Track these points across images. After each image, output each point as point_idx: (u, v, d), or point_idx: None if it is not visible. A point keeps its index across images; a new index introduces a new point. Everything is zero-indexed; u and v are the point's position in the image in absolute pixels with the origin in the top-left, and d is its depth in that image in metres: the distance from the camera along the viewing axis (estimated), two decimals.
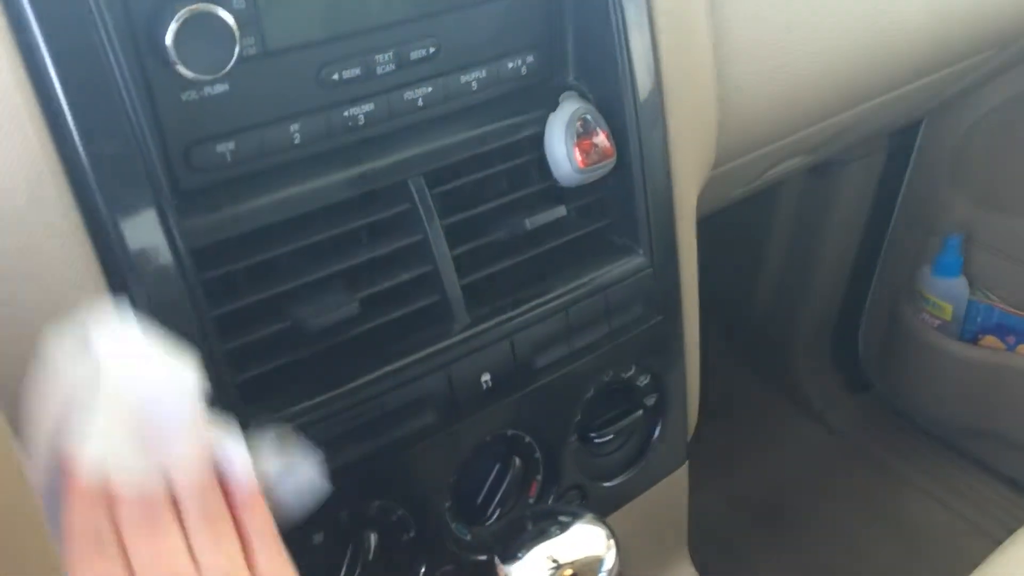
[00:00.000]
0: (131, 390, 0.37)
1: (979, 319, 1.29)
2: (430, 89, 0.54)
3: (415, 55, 0.53)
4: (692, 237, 0.66)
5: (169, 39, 0.43)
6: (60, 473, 0.37)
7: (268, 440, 0.42)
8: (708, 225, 0.89)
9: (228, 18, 0.44)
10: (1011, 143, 1.22)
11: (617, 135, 0.59)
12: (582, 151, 0.58)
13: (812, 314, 1.41)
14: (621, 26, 0.57)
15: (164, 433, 0.37)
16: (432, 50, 0.53)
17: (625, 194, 0.61)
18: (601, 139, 0.58)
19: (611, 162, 0.59)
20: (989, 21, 0.89)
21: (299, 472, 0.43)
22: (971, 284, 1.29)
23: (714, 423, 1.02)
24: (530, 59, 0.58)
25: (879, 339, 1.42)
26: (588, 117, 0.58)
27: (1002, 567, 0.73)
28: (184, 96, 0.46)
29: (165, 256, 0.45)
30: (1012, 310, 1.26)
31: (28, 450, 0.37)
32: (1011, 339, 1.27)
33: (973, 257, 1.28)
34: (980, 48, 0.92)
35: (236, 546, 0.39)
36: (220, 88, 0.47)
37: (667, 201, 0.63)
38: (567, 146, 0.57)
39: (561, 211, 0.58)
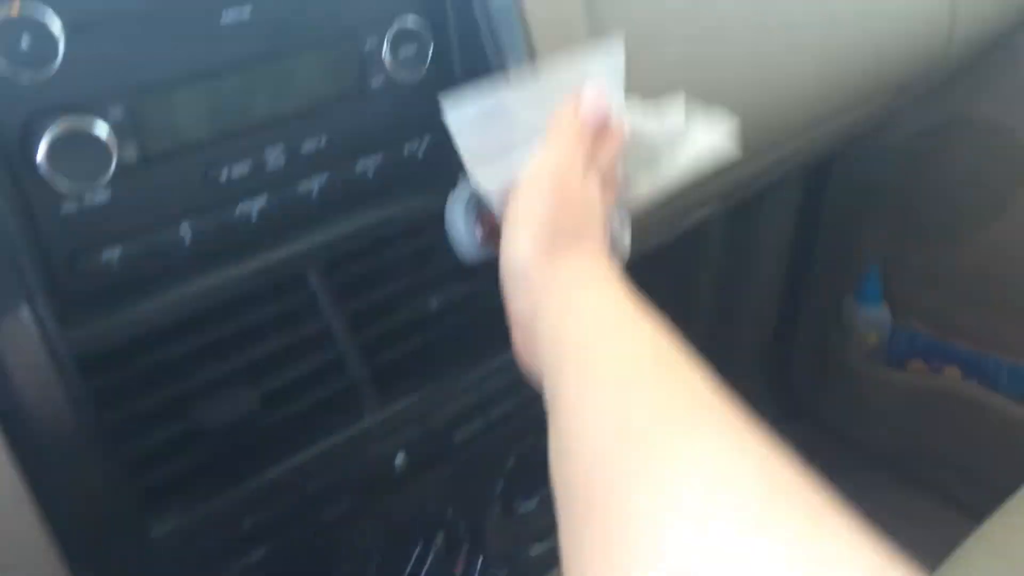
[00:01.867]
0: None
1: (903, 345, 1.32)
2: (325, 179, 0.54)
3: (306, 148, 0.53)
4: None
5: (41, 157, 0.42)
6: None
7: None
8: (634, 271, 0.90)
9: (103, 132, 0.44)
10: (922, 174, 1.26)
11: None
12: (484, 227, 0.58)
13: (745, 348, 1.43)
14: None
15: None
16: (324, 141, 0.53)
17: None
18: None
19: None
20: (883, 69, 0.93)
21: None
22: (894, 310, 1.32)
23: None
24: (428, 140, 0.58)
25: (812, 367, 1.45)
26: None
27: None
28: (63, 209, 0.45)
29: (45, 367, 0.44)
30: (934, 335, 1.30)
31: None
32: (935, 362, 1.31)
33: (894, 284, 1.32)
34: (875, 96, 0.95)
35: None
36: (101, 197, 0.46)
37: None
38: (467, 225, 0.57)
39: (467, 288, 0.58)
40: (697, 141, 0.59)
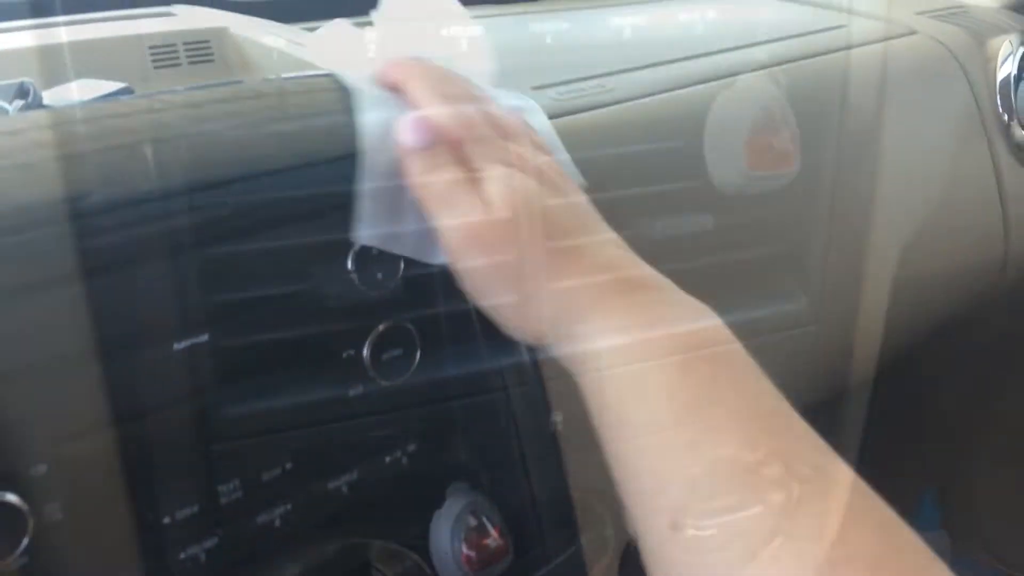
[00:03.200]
0: None
1: None
2: (288, 507, 0.47)
3: (268, 476, 0.46)
4: None
5: None
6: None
7: None
8: None
9: (14, 499, 0.38)
10: (976, 389, 1.16)
11: (514, 527, 0.52)
12: (472, 550, 0.50)
13: None
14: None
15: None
16: (291, 464, 0.47)
17: None
18: (494, 538, 0.51)
19: (506, 562, 0.51)
20: (926, 306, 0.86)
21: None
22: (953, 539, 1.20)
23: None
24: (412, 448, 0.52)
25: None
26: (479, 514, 0.51)
27: None
28: None
29: None
30: (1001, 569, 1.17)
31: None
32: None
33: (953, 509, 1.20)
34: (914, 332, 0.88)
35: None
36: (19, 563, 0.39)
37: None
38: (453, 552, 0.50)
39: None
40: None
